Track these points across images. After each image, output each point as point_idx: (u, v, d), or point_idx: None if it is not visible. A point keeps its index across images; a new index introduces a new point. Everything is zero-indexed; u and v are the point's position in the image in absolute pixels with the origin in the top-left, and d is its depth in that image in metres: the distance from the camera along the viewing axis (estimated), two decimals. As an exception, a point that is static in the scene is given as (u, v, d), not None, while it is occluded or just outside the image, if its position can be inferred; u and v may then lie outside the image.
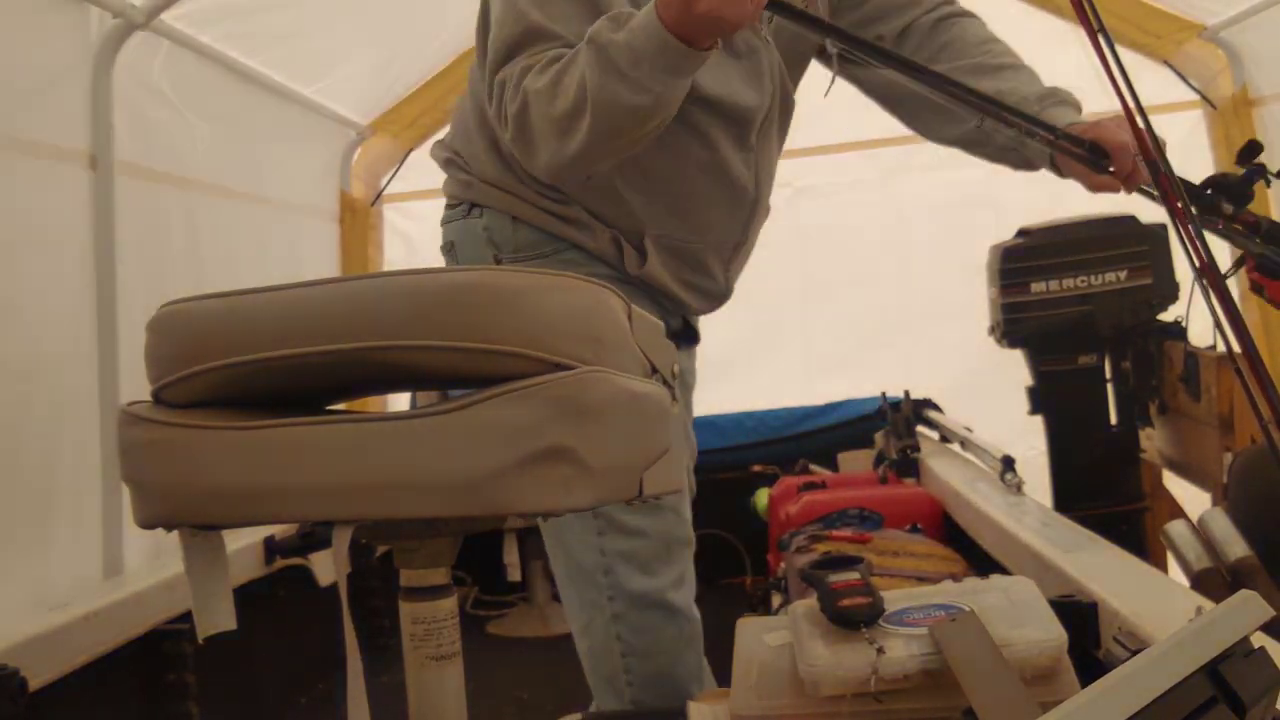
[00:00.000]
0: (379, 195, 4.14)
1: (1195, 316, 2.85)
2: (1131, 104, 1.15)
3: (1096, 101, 4.14)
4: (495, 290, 1.03)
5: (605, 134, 1.43)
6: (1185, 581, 1.98)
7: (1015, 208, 3.69)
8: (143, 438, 1.11)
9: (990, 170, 4.03)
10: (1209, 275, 1.05)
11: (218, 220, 3.01)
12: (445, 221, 1.83)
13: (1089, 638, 1.52)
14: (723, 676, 1.46)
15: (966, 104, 1.65)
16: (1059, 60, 3.93)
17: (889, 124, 4.24)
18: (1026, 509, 2.24)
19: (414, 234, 4.23)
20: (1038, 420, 3.02)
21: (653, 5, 1.36)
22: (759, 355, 4.03)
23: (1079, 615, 1.53)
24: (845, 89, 4.53)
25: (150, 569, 2.35)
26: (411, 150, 4.13)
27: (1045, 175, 4.04)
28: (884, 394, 3.49)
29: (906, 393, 3.43)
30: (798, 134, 4.04)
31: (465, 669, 1.21)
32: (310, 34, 3.32)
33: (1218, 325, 1.04)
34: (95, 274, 2.41)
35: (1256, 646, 0.90)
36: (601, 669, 1.74)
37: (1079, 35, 3.72)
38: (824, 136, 4.00)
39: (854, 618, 1.34)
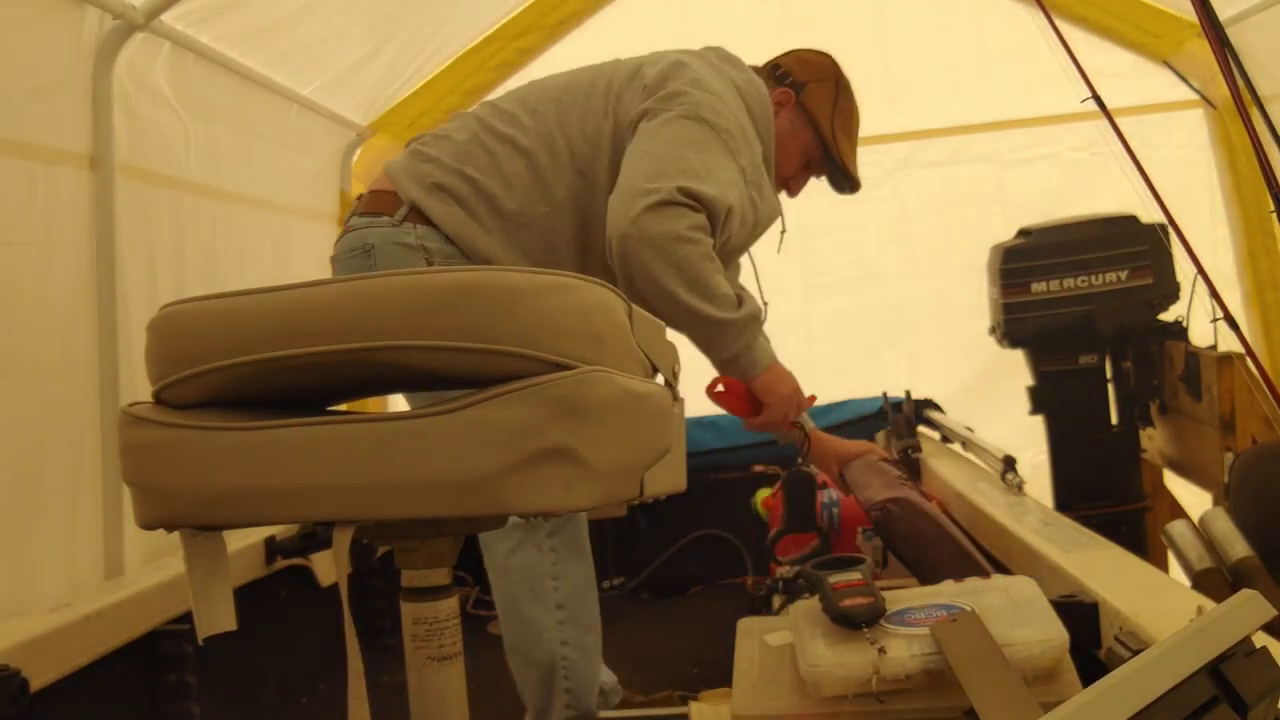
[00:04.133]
0: (379, 196, 4.13)
1: (1195, 316, 2.85)
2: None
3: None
4: (495, 290, 1.03)
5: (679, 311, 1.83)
6: (1186, 581, 1.98)
7: (1022, 205, 3.69)
8: (144, 439, 1.11)
9: (997, 167, 4.04)
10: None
11: (217, 221, 3.00)
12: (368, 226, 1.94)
13: (1090, 638, 1.52)
14: (724, 676, 1.46)
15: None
16: (1059, 55, 3.94)
17: (892, 120, 4.25)
18: (1027, 509, 2.24)
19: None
20: (1040, 430, 3.02)
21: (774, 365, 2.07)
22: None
23: (1080, 615, 1.53)
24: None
25: (151, 570, 2.35)
26: (412, 151, 4.13)
27: (1051, 174, 4.03)
28: (885, 394, 3.49)
29: (908, 393, 3.43)
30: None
31: (467, 669, 1.21)
32: (310, 34, 3.32)
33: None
34: (96, 275, 2.41)
35: (1258, 646, 0.90)
36: None
37: (1076, 34, 3.68)
38: (825, 133, 3.99)
39: (855, 618, 1.34)
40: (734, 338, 1.92)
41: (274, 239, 3.41)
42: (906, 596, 1.43)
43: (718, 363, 2.00)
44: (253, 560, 2.59)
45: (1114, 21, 3.74)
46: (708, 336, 1.91)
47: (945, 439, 3.30)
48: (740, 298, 1.93)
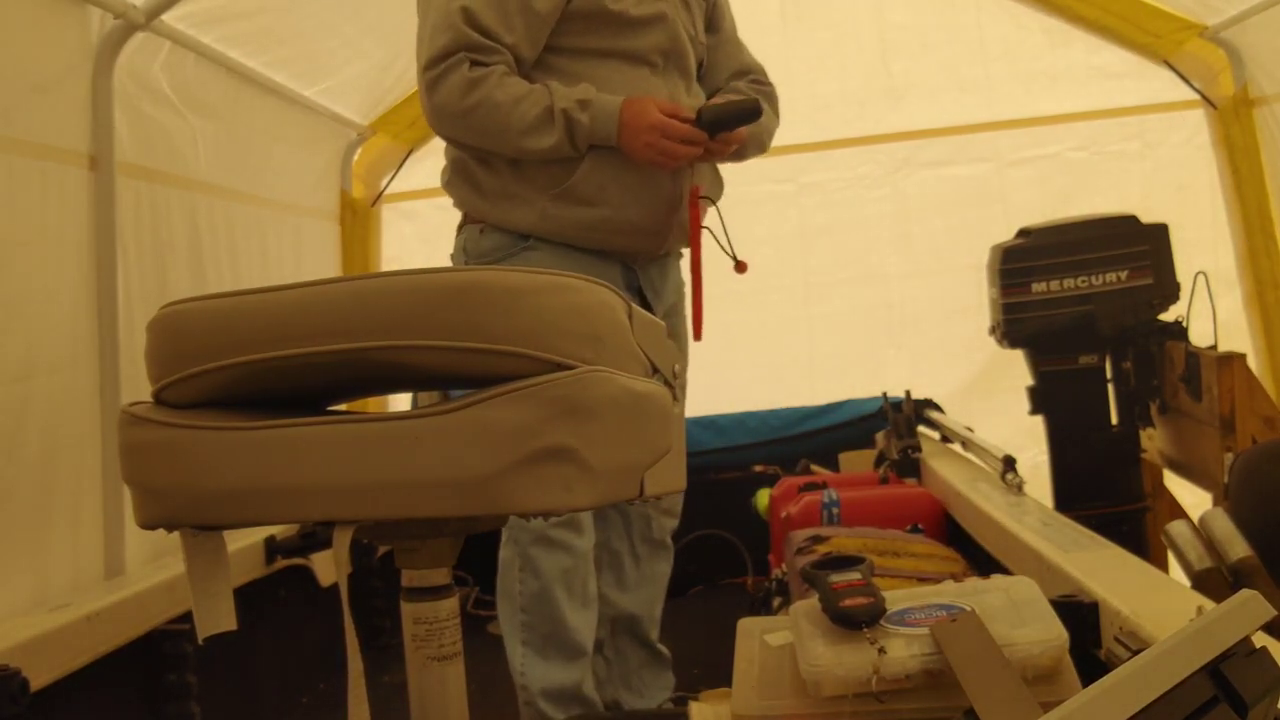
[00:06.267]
0: (379, 196, 4.14)
1: (1196, 316, 2.86)
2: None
3: (1092, 99, 4.14)
4: (495, 290, 1.03)
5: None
6: (1186, 581, 1.98)
7: (1022, 205, 3.69)
8: (144, 438, 1.11)
9: (998, 166, 4.05)
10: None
11: (218, 220, 3.00)
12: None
13: (1090, 637, 1.52)
14: (724, 676, 1.46)
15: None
16: (1059, 56, 3.95)
17: (892, 120, 4.26)
18: (1027, 509, 2.24)
19: (414, 234, 4.24)
20: (1040, 430, 3.02)
21: (617, 115, 1.94)
22: (761, 355, 4.03)
23: (1080, 615, 1.53)
24: (845, 81, 4.46)
25: (151, 570, 2.35)
26: (412, 151, 4.13)
27: (1051, 174, 4.04)
28: (885, 394, 3.49)
29: (908, 393, 3.43)
30: (801, 129, 4.09)
31: (466, 669, 1.21)
32: (311, 35, 3.32)
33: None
34: (96, 275, 2.41)
35: (1258, 646, 0.90)
36: None
37: (1076, 34, 3.69)
38: (827, 132, 4.00)
39: (855, 617, 1.33)
40: (573, 143, 1.96)
41: (275, 238, 3.41)
42: (906, 597, 1.43)
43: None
44: (253, 560, 2.59)
45: (1114, 21, 3.74)
46: (559, 152, 1.96)
47: (945, 439, 3.30)
48: (548, 101, 1.94)
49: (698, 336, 2.12)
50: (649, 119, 1.95)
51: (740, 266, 2.10)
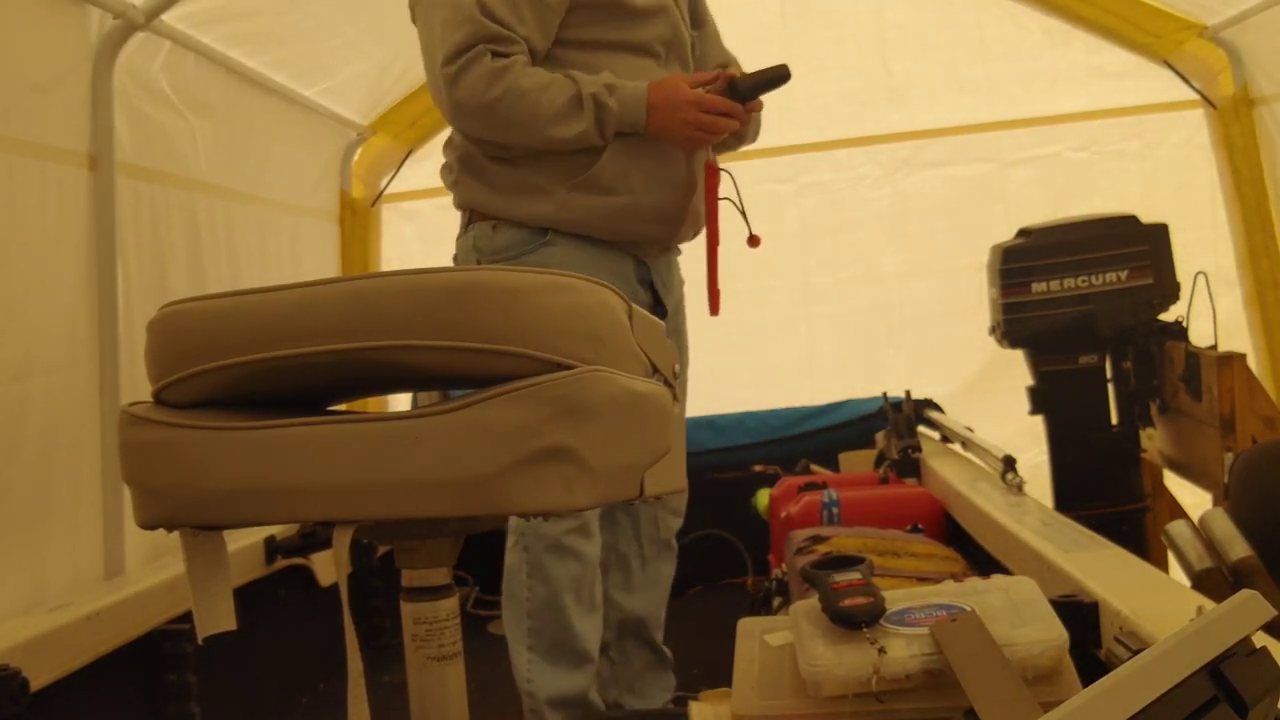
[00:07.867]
0: (379, 196, 4.14)
1: (1196, 316, 2.86)
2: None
3: (1092, 99, 4.13)
4: (494, 290, 1.03)
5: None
6: (1186, 581, 1.98)
7: (1022, 205, 3.69)
8: (144, 438, 1.11)
9: (997, 166, 4.06)
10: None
11: (218, 220, 3.00)
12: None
13: (1090, 637, 1.52)
14: (724, 676, 1.46)
15: None
16: (1059, 56, 3.95)
17: (892, 120, 4.24)
18: (1027, 509, 2.24)
19: (414, 234, 4.24)
20: (1040, 430, 3.02)
21: (644, 99, 1.93)
22: (761, 355, 4.03)
23: (1080, 615, 1.52)
24: (845, 82, 4.46)
25: (151, 570, 2.35)
26: (412, 151, 4.13)
27: (1051, 174, 4.04)
28: (885, 394, 3.49)
29: (908, 393, 3.43)
30: (800, 130, 4.09)
31: (466, 669, 1.21)
32: (311, 35, 3.32)
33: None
34: (96, 275, 2.41)
35: (1258, 646, 0.90)
36: None
37: (1076, 34, 3.70)
38: (827, 132, 4.00)
39: (855, 617, 1.34)
40: (601, 130, 1.95)
41: (275, 238, 3.41)
42: (906, 596, 1.43)
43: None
44: (253, 560, 2.59)
45: (1114, 21, 3.74)
46: (585, 140, 1.95)
47: (945, 439, 3.30)
48: (574, 88, 1.93)
49: (714, 311, 2.11)
50: (683, 95, 1.95)
51: (754, 240, 2.09)
